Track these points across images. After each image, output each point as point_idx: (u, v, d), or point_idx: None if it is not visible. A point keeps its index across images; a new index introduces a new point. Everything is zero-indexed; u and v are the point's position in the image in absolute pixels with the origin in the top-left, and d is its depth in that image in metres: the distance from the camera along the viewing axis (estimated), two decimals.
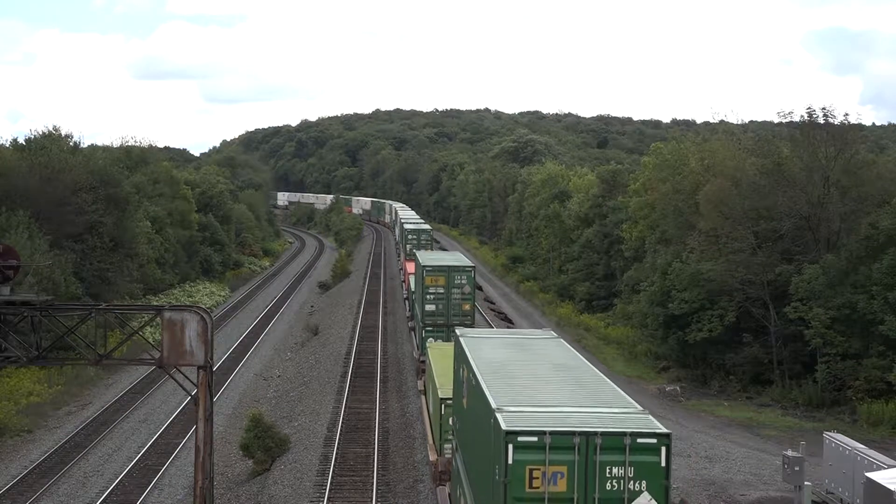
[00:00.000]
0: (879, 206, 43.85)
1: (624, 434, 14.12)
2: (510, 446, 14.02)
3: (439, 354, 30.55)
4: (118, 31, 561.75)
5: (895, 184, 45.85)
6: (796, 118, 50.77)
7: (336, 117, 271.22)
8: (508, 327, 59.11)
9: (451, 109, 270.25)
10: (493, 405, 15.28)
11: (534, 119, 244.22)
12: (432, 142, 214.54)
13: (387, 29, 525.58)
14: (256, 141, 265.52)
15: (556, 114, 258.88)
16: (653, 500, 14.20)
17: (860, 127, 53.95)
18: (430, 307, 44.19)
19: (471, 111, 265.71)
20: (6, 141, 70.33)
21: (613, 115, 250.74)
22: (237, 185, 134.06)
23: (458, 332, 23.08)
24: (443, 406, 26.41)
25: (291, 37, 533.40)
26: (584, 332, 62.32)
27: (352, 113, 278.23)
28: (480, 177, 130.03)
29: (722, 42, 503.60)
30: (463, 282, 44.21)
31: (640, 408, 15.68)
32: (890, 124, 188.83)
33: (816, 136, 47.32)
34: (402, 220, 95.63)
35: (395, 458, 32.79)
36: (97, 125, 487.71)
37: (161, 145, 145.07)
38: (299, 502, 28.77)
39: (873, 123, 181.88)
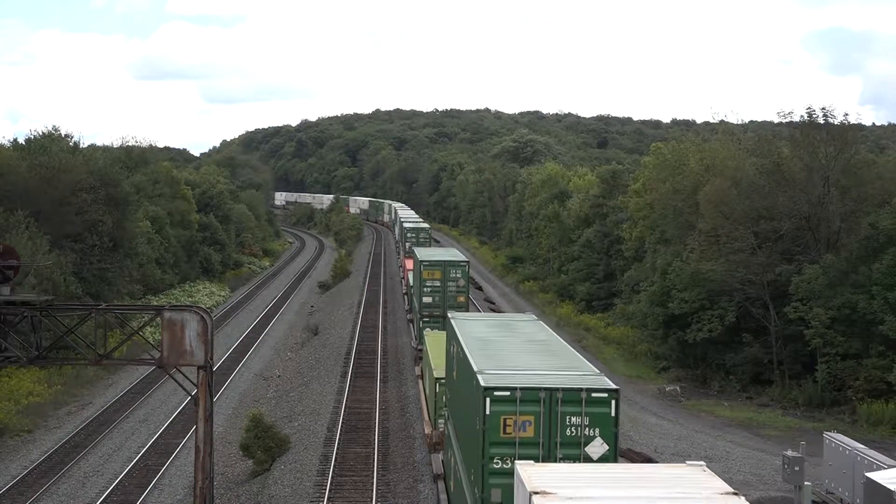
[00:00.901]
0: (879, 206, 43.88)
1: (581, 390, 17.01)
2: (488, 400, 16.89)
3: (435, 342, 32.76)
4: (118, 32, 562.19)
5: (895, 184, 45.86)
6: (796, 118, 50.89)
7: (336, 117, 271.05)
8: None
9: (451, 109, 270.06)
10: (476, 369, 18.15)
11: (534, 119, 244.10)
12: (432, 142, 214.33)
13: (387, 29, 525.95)
14: (256, 141, 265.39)
15: (556, 114, 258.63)
16: (604, 444, 16.90)
17: (860, 127, 54.10)
18: (427, 299, 46.50)
19: (471, 111, 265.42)
20: (6, 141, 70.44)
21: (613, 115, 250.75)
22: (237, 185, 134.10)
23: (450, 314, 26.08)
24: (437, 385, 29.05)
25: (291, 37, 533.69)
26: (584, 332, 62.29)
27: (352, 113, 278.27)
28: (480, 177, 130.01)
29: (722, 42, 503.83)
30: (458, 275, 46.92)
31: (597, 371, 18.73)
32: (890, 124, 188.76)
33: (816, 136, 47.35)
34: (402, 220, 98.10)
35: (395, 458, 32.77)
36: (97, 125, 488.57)
37: (161, 145, 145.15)
38: (299, 502, 28.76)
39: (873, 123, 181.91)
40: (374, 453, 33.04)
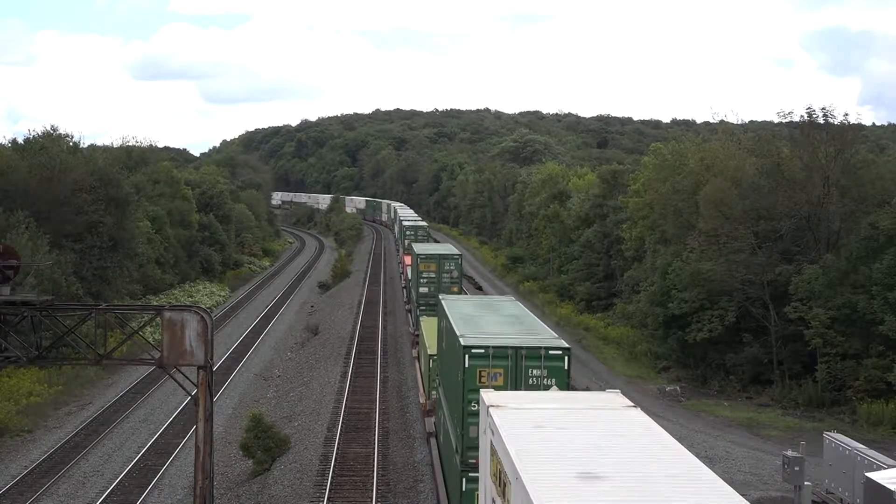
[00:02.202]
0: (879, 206, 43.85)
1: (540, 348, 21.09)
2: (466, 356, 20.90)
3: (429, 327, 36.82)
4: (119, 32, 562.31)
5: (895, 184, 45.84)
6: (796, 118, 50.83)
7: (336, 117, 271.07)
8: None
9: (451, 109, 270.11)
10: (458, 333, 22.20)
11: (534, 119, 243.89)
12: (432, 142, 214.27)
13: (387, 29, 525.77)
14: (256, 141, 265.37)
15: (556, 114, 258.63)
16: (559, 391, 19.59)
17: (860, 127, 53.92)
18: (423, 289, 50.21)
19: (471, 111, 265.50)
20: (6, 141, 70.41)
21: (613, 115, 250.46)
22: (237, 186, 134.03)
23: (441, 296, 30.82)
24: (430, 360, 33.11)
25: (291, 37, 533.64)
26: (584, 332, 62.20)
27: (352, 113, 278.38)
28: (480, 177, 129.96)
29: (722, 42, 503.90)
30: (451, 268, 51.23)
31: (556, 336, 22.79)
32: (890, 124, 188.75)
33: (816, 137, 47.32)
34: (401, 218, 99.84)
35: (395, 458, 32.78)
36: (97, 125, 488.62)
37: (161, 145, 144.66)
38: (299, 502, 28.76)
39: (873, 123, 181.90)
40: (374, 453, 33.05)
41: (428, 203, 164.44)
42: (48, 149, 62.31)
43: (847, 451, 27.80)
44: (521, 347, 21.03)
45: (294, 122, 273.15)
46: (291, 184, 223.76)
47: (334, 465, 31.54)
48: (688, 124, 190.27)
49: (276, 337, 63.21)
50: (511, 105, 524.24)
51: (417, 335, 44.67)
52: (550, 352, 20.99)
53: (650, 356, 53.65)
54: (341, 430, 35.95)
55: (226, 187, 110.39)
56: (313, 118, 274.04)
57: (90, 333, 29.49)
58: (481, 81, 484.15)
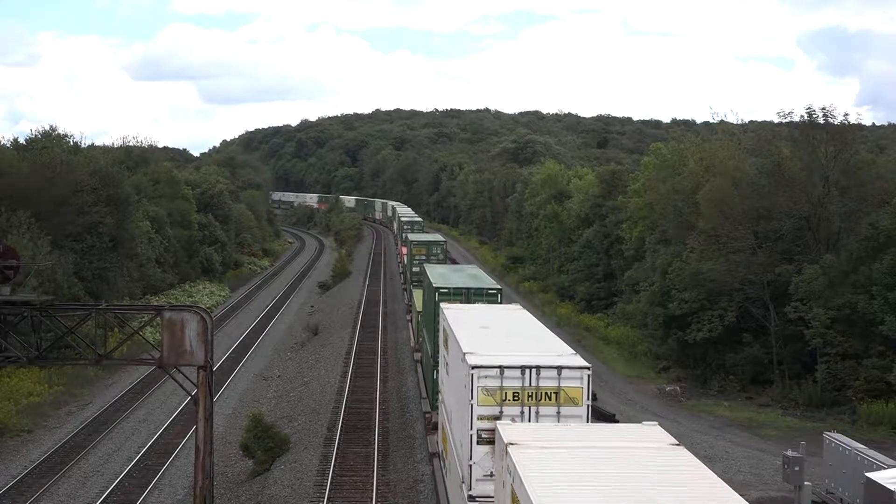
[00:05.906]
0: (879, 206, 43.86)
1: (482, 289, 33.66)
2: (437, 293, 32.41)
3: (418, 296, 47.13)
4: (120, 33, 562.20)
5: (895, 184, 45.84)
6: (796, 118, 50.72)
7: (336, 117, 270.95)
8: None
9: (451, 109, 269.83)
10: (433, 282, 33.81)
11: (534, 119, 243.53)
12: (432, 142, 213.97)
13: (387, 29, 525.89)
14: (256, 141, 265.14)
15: (556, 114, 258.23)
16: None
17: (860, 127, 53.77)
18: (415, 269, 60.48)
19: (471, 111, 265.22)
20: (6, 141, 70.38)
21: (613, 115, 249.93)
22: (237, 186, 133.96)
23: (424, 265, 47.98)
24: (418, 316, 44.04)
25: (291, 37, 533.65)
26: (585, 332, 62.15)
27: (352, 113, 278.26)
28: (480, 177, 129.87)
29: (721, 42, 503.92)
30: (438, 251, 66.04)
31: (495, 282, 36.89)
32: (889, 124, 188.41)
33: (816, 136, 47.28)
34: (400, 215, 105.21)
35: (395, 458, 32.78)
36: (98, 125, 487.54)
37: (161, 145, 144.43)
38: (299, 502, 28.76)
39: (873, 123, 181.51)
40: (374, 453, 33.05)
41: (428, 203, 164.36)
42: (49, 149, 62.29)
43: (847, 451, 27.80)
44: (471, 288, 33.33)
45: (294, 122, 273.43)
46: (291, 184, 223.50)
47: (334, 465, 31.55)
48: (688, 124, 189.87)
49: (276, 337, 63.21)
50: (511, 105, 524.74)
51: (411, 305, 55.44)
52: (489, 291, 33.45)
53: (650, 356, 53.64)
54: (341, 429, 35.95)
55: (225, 187, 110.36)
56: (313, 118, 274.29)
57: (90, 333, 29.51)
58: (481, 81, 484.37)
